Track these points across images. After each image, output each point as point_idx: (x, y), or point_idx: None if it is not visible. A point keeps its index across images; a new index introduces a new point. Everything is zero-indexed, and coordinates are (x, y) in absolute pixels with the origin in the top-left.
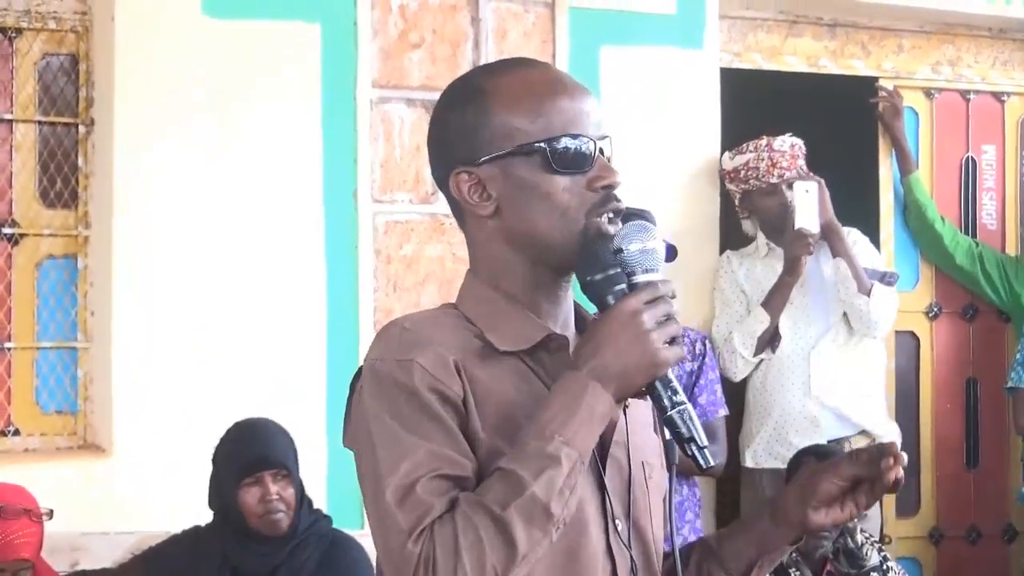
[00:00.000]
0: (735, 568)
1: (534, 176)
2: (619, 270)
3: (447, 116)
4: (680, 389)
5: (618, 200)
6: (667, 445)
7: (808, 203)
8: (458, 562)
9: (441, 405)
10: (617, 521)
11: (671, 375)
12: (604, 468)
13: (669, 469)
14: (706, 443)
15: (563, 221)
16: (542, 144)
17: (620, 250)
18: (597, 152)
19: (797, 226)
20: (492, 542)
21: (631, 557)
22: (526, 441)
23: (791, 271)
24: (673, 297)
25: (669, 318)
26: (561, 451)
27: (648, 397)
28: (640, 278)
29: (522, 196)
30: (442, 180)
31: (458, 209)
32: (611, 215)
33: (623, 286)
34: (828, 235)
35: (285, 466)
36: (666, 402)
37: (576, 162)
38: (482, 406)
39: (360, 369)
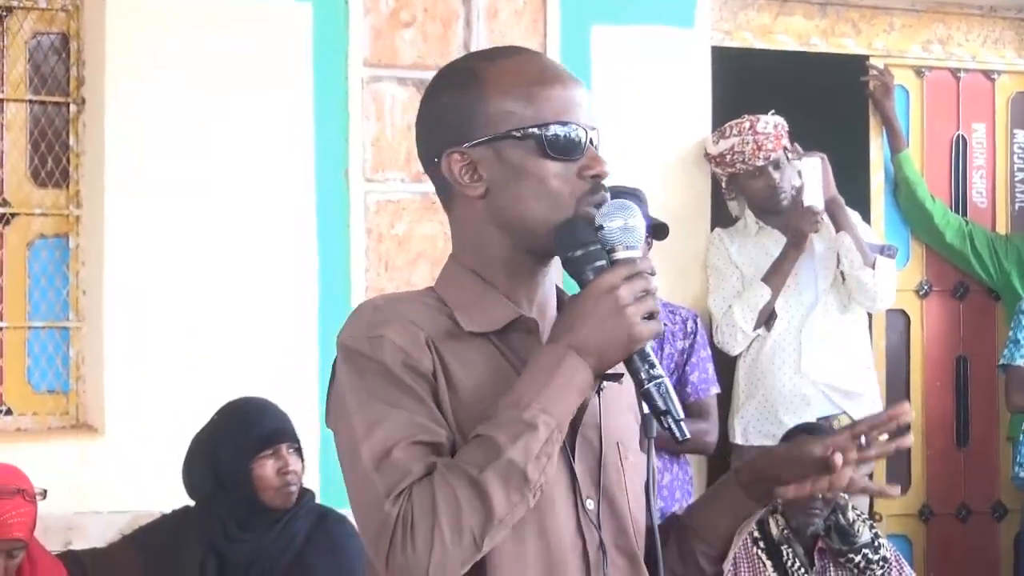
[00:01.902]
0: (714, 540)
1: (526, 160)
2: (599, 246)
3: (440, 98)
4: (657, 363)
5: (606, 190)
6: (645, 419)
7: (813, 179)
8: (435, 522)
9: (413, 378)
10: (588, 500)
11: (648, 349)
12: (573, 450)
13: (647, 441)
14: (682, 416)
15: (552, 206)
16: (536, 129)
17: (600, 227)
18: (588, 141)
19: (806, 203)
20: (470, 503)
21: (600, 537)
22: (502, 409)
23: (796, 245)
24: (652, 274)
25: (647, 293)
26: (538, 418)
27: (626, 371)
28: (620, 255)
29: (513, 179)
30: (431, 160)
31: (446, 190)
32: (599, 205)
33: (602, 262)
34: (832, 210)
35: (297, 440)
36: (643, 375)
37: (568, 149)
38: (451, 384)
39: None
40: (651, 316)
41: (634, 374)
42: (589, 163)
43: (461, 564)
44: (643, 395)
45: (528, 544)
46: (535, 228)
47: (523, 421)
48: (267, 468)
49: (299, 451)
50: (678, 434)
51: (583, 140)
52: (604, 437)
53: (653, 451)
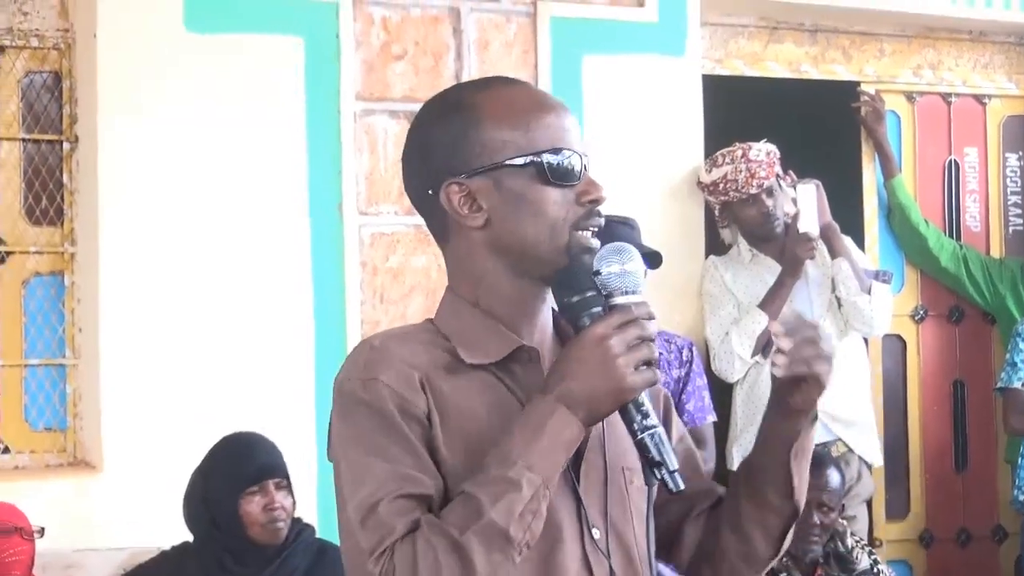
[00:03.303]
0: (777, 478)
1: (526, 188)
2: (595, 292)
3: (430, 130)
4: (652, 412)
5: (600, 216)
6: (644, 468)
7: (808, 206)
8: None
9: (405, 422)
10: (594, 529)
11: (643, 398)
12: (578, 476)
13: (648, 486)
14: (676, 466)
15: (551, 233)
16: (535, 156)
17: (597, 272)
18: (583, 167)
19: (801, 230)
20: (450, 567)
21: (609, 566)
22: (489, 465)
23: (792, 273)
24: (650, 319)
25: (642, 341)
26: (523, 476)
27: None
28: (618, 300)
29: (513, 207)
30: (423, 193)
31: (440, 222)
32: (594, 229)
33: (599, 308)
34: (827, 236)
35: (287, 475)
36: (636, 426)
37: (566, 175)
38: (447, 420)
39: None
40: (647, 364)
41: (628, 424)
42: (587, 188)
43: None
44: (637, 445)
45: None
46: (535, 255)
47: (507, 480)
48: (253, 504)
49: (289, 487)
50: (672, 486)
51: (579, 166)
52: (609, 462)
53: (653, 498)
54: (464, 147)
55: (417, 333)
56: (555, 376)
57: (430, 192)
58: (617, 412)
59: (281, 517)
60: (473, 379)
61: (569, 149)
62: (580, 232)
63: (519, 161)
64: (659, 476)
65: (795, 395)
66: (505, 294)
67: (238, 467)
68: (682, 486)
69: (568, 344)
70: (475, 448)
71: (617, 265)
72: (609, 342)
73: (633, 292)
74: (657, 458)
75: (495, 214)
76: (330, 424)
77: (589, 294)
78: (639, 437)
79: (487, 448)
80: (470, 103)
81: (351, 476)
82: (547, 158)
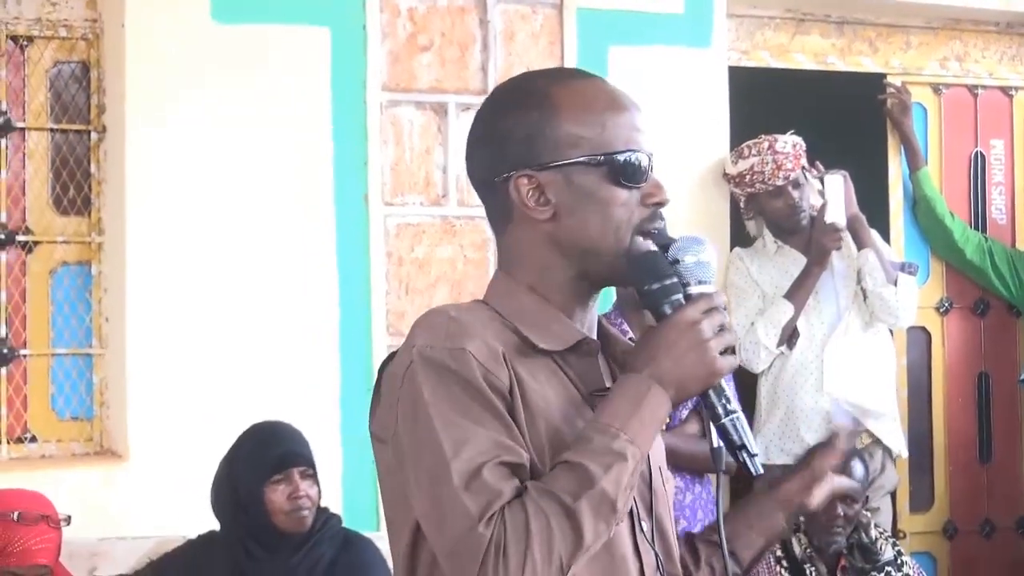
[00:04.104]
0: (745, 557)
1: (597, 187)
2: (675, 280)
3: (505, 118)
4: (733, 397)
5: (662, 219)
6: (715, 452)
7: (835, 197)
8: (528, 547)
9: (494, 394)
10: (643, 522)
11: (723, 383)
12: None
13: (717, 475)
14: (757, 451)
15: (615, 234)
16: (609, 156)
17: (677, 261)
18: (650, 167)
19: (828, 220)
20: (563, 531)
21: (656, 554)
22: (590, 436)
23: (819, 263)
24: (725, 308)
25: (723, 328)
26: (627, 448)
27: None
28: (694, 289)
29: (581, 205)
30: (488, 179)
31: (503, 209)
32: (655, 232)
33: (679, 296)
34: (854, 227)
35: (311, 464)
36: (720, 410)
37: (635, 176)
38: (527, 399)
39: (390, 356)
40: (729, 350)
41: (710, 408)
42: (652, 190)
43: None
44: (719, 429)
45: (595, 563)
46: (597, 255)
47: (614, 451)
48: (278, 493)
49: (314, 476)
50: (752, 469)
51: (648, 167)
52: (651, 461)
53: (722, 485)
54: (538, 140)
55: (478, 310)
56: (643, 356)
57: (497, 180)
58: (700, 397)
59: (306, 505)
60: (540, 363)
61: (640, 150)
62: (641, 238)
63: (592, 160)
64: (740, 459)
65: (807, 497)
66: (565, 288)
67: (263, 455)
68: (761, 470)
69: (654, 328)
70: (549, 429)
71: (693, 255)
72: (700, 326)
73: (708, 282)
74: (739, 441)
75: (562, 209)
76: (380, 395)
77: (668, 282)
78: (721, 421)
79: (559, 431)
80: (547, 95)
81: (450, 443)
82: (620, 158)
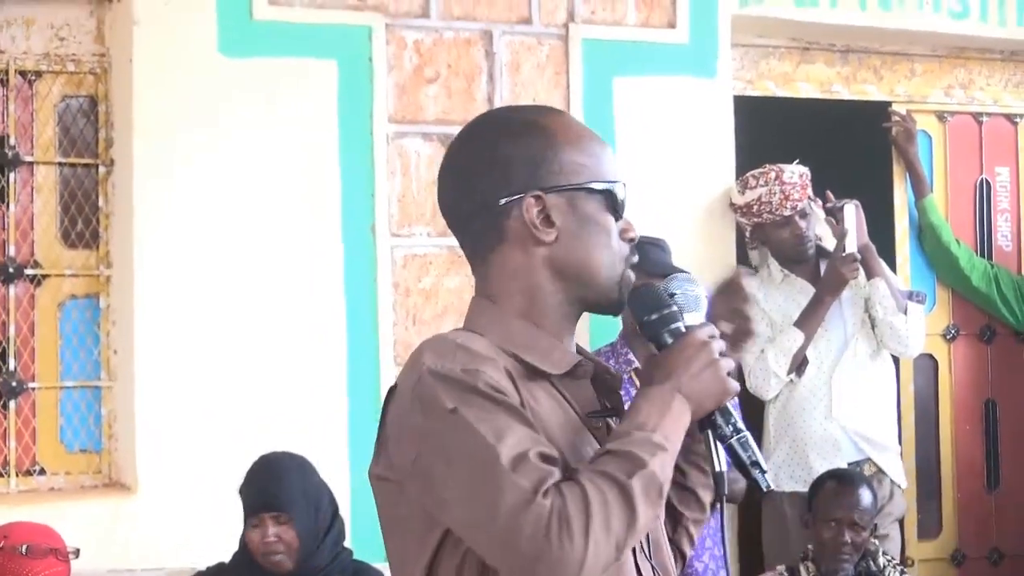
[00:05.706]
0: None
1: (597, 213)
2: (674, 309)
3: (506, 145)
4: (739, 418)
5: (635, 254)
6: (718, 476)
7: (850, 226)
8: (589, 519)
9: (516, 405)
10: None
11: (729, 406)
12: None
13: (719, 500)
14: (767, 468)
15: (612, 263)
16: (609, 185)
17: (672, 293)
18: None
19: (847, 250)
20: (620, 506)
21: (652, 567)
22: (628, 431)
23: (833, 292)
24: (722, 337)
25: (723, 353)
26: (665, 443)
27: (708, 426)
28: (690, 319)
29: (584, 230)
30: (489, 202)
31: (497, 232)
32: (634, 263)
33: (678, 324)
34: (865, 256)
35: (285, 510)
36: (728, 430)
37: (622, 209)
38: (536, 421)
39: (393, 388)
40: (733, 374)
41: (716, 428)
42: (627, 227)
43: (604, 567)
44: (728, 450)
45: None
46: (594, 281)
47: (654, 443)
48: (254, 535)
49: (291, 520)
50: (763, 485)
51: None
52: None
53: (726, 509)
54: (543, 165)
55: (473, 338)
56: (661, 372)
57: (503, 202)
58: (707, 417)
59: (277, 551)
60: (539, 387)
61: (621, 183)
62: (626, 269)
63: (598, 186)
64: (752, 476)
65: None
66: (555, 312)
67: (246, 495)
68: (772, 486)
69: (666, 349)
70: (556, 450)
71: (686, 288)
72: (712, 346)
73: (699, 313)
74: (751, 459)
75: (564, 234)
76: (387, 423)
77: (667, 311)
78: (729, 441)
79: (562, 452)
80: (541, 126)
81: (491, 433)
82: (615, 189)
